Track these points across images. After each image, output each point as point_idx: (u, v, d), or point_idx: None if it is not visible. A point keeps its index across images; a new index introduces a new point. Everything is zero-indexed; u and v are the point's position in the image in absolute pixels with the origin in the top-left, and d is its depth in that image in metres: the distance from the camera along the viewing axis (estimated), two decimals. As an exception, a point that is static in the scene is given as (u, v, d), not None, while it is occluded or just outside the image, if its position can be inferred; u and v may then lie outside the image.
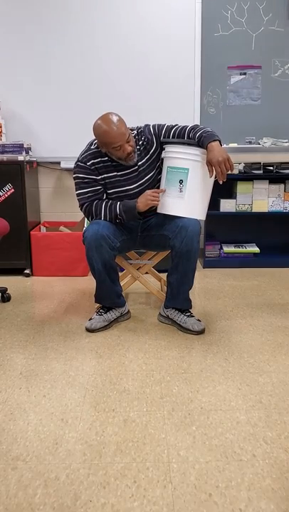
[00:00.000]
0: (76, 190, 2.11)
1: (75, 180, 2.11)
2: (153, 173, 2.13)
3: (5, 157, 3.03)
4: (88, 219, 2.14)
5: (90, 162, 2.07)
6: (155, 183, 2.16)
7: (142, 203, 2.03)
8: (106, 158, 2.07)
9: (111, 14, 3.26)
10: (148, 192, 2.04)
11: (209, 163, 1.92)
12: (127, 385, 1.65)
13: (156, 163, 2.13)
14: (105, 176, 2.09)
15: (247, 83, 3.37)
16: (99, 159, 2.07)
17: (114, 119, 1.93)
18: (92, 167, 2.07)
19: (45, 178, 3.59)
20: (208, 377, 1.70)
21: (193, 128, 2.04)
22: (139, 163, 2.09)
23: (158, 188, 2.17)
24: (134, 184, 2.10)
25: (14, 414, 1.48)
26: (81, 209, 2.12)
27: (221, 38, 3.30)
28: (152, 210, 2.19)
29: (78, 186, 2.10)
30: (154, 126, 2.12)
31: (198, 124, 3.37)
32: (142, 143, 2.09)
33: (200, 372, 1.75)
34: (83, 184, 2.09)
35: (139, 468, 1.22)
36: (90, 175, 2.08)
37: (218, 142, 1.93)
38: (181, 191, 1.99)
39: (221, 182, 1.94)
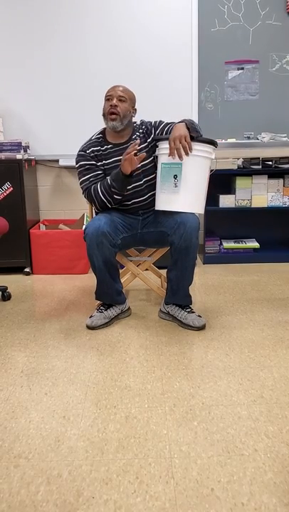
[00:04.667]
0: (80, 179, 2.17)
1: (78, 169, 2.18)
2: (149, 160, 2.17)
3: (3, 155, 3.02)
4: (91, 204, 2.19)
5: (90, 150, 2.15)
6: (149, 172, 2.17)
7: (123, 164, 1.98)
8: (105, 147, 2.14)
9: (107, 11, 3.24)
10: (125, 152, 2.00)
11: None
12: (128, 382, 1.65)
13: (152, 153, 2.17)
14: (104, 162, 2.14)
15: (245, 78, 3.36)
16: (98, 147, 2.15)
17: (125, 86, 2.12)
18: (92, 154, 2.15)
19: (44, 176, 3.58)
20: (210, 373, 1.70)
21: (181, 121, 2.06)
22: (138, 147, 2.14)
23: (154, 182, 2.19)
24: None
25: (16, 412, 1.48)
26: (84, 195, 2.16)
27: (218, 33, 3.29)
28: (152, 207, 2.19)
29: (81, 174, 2.16)
30: (155, 121, 2.21)
31: (193, 119, 3.36)
32: (142, 131, 2.18)
33: (201, 367, 1.75)
34: (85, 171, 2.15)
35: (141, 464, 1.22)
36: (89, 161, 2.15)
37: (184, 124, 1.95)
38: (176, 186, 1.99)
39: (173, 159, 1.95)
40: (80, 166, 2.16)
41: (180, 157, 1.93)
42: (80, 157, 2.16)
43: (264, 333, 2.06)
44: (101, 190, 2.08)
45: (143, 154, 1.97)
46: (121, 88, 2.09)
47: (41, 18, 3.25)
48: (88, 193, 2.13)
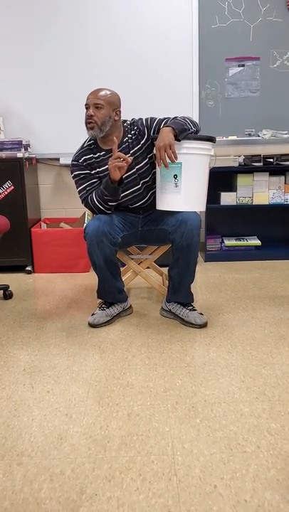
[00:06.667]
0: (77, 188, 2.16)
1: (74, 179, 2.17)
2: (145, 162, 2.13)
3: (4, 154, 3.02)
4: (92, 212, 2.16)
5: (83, 159, 2.13)
6: (146, 174, 2.15)
7: (110, 172, 1.98)
8: (97, 154, 2.12)
9: (108, 10, 3.24)
10: (110, 159, 1.99)
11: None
12: (131, 380, 1.65)
13: (147, 154, 2.13)
14: (98, 170, 2.12)
15: (245, 75, 3.35)
16: (91, 155, 2.13)
17: (106, 88, 2.06)
18: (85, 163, 2.13)
19: (45, 174, 3.58)
20: (212, 370, 1.70)
21: (174, 118, 2.03)
22: (131, 151, 2.11)
23: (152, 183, 2.18)
24: (127, 173, 2.10)
25: (18, 410, 1.48)
26: (85, 204, 2.14)
27: (218, 29, 3.28)
28: (153, 206, 2.19)
29: (78, 184, 2.15)
30: (146, 118, 2.15)
31: (193, 116, 3.36)
32: (134, 133, 2.12)
33: (203, 365, 1.75)
34: (81, 180, 2.14)
35: (144, 461, 1.22)
36: (83, 170, 2.13)
37: (170, 128, 1.90)
38: (176, 186, 1.98)
39: (159, 167, 1.95)
40: (75, 176, 2.15)
41: (166, 166, 1.92)
42: (73, 167, 2.15)
43: (266, 331, 2.05)
44: (96, 199, 2.07)
45: (130, 158, 1.96)
46: (98, 93, 2.02)
47: (42, 16, 3.24)
48: (86, 203, 2.13)
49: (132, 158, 2.02)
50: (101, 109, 2.01)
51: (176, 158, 1.90)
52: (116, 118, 2.06)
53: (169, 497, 1.09)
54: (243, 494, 1.09)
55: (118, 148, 2.09)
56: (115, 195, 2.04)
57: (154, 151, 2.00)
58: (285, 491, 1.09)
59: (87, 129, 2.05)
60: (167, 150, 1.89)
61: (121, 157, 1.94)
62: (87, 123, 2.04)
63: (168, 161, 1.91)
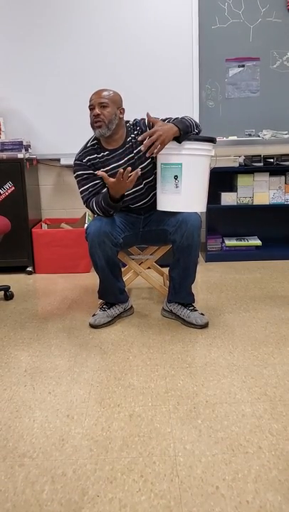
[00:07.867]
0: (79, 189, 2.15)
1: (76, 179, 2.16)
2: (148, 162, 2.13)
3: (5, 155, 3.02)
4: (94, 214, 2.16)
5: (86, 159, 2.12)
6: (149, 174, 2.15)
7: (111, 188, 1.94)
8: (101, 154, 2.11)
9: (110, 9, 3.24)
10: (113, 181, 1.93)
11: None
12: (132, 380, 1.65)
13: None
14: (102, 170, 2.11)
15: (246, 75, 3.35)
16: (95, 155, 2.12)
17: (107, 89, 2.08)
18: (89, 163, 2.12)
19: (46, 175, 3.58)
20: (213, 371, 1.70)
21: (176, 119, 2.04)
22: (134, 151, 2.11)
23: (155, 183, 2.18)
24: (129, 173, 2.10)
25: (20, 411, 1.48)
26: (86, 206, 2.14)
27: (218, 30, 3.28)
28: (155, 207, 2.19)
29: (80, 184, 2.14)
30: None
31: (194, 116, 3.36)
32: (137, 133, 2.12)
33: (204, 365, 1.75)
34: (83, 181, 2.13)
35: (145, 462, 1.22)
36: (87, 170, 2.12)
37: (177, 130, 1.92)
38: (177, 187, 1.98)
39: (144, 150, 1.98)
40: (78, 176, 2.14)
41: (147, 151, 1.94)
42: (77, 166, 2.14)
43: (267, 331, 2.05)
44: (97, 208, 2.05)
45: (134, 177, 1.92)
46: (101, 93, 2.03)
47: (43, 17, 3.24)
48: (87, 206, 2.13)
49: (136, 175, 1.97)
50: (106, 108, 2.02)
51: (157, 153, 1.93)
52: (121, 116, 2.08)
53: (171, 498, 1.09)
54: (245, 495, 1.09)
55: (122, 148, 2.10)
56: (116, 207, 2.03)
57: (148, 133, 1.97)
58: (287, 491, 1.09)
59: (95, 128, 2.04)
60: (157, 143, 1.91)
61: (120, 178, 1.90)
62: (94, 122, 2.03)
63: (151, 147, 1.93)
